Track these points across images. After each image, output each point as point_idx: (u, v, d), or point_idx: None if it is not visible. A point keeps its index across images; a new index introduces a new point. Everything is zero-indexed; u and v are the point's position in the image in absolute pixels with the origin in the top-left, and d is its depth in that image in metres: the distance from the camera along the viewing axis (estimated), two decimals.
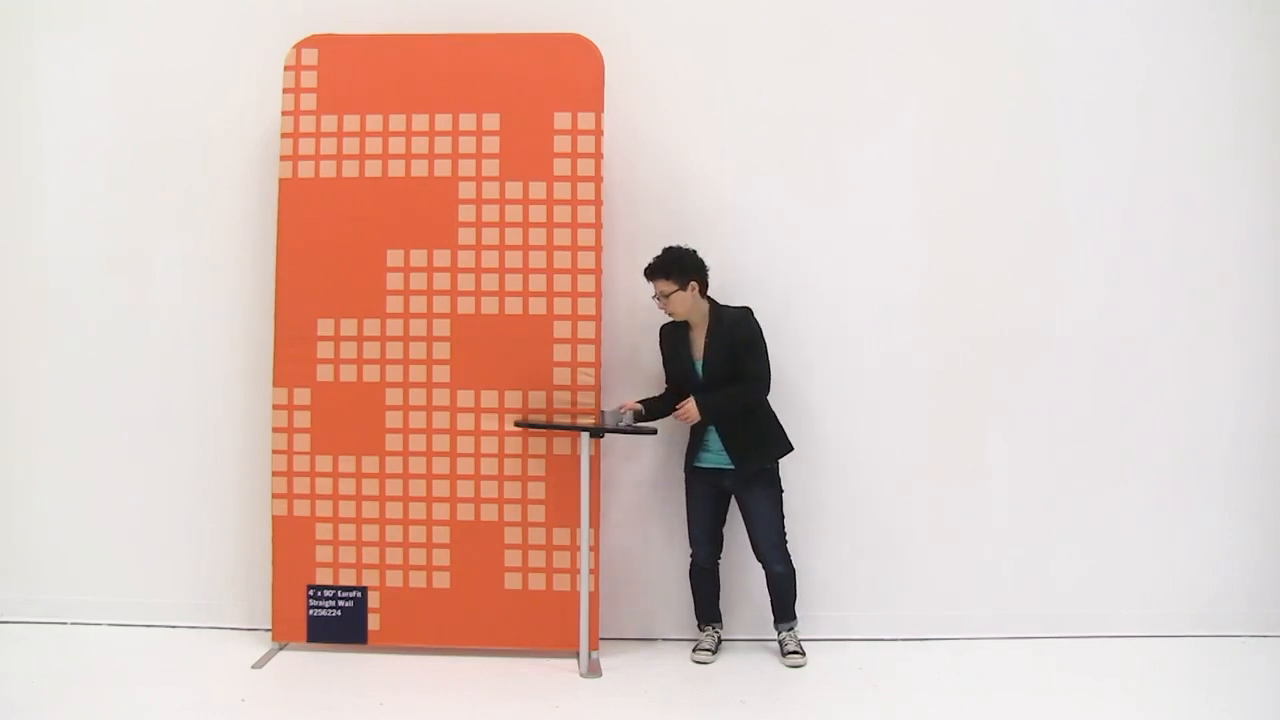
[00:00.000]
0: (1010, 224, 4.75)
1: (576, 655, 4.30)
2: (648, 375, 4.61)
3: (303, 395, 4.45)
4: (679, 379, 4.42)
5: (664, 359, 4.49)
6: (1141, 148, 4.76)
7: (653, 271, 4.29)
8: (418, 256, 4.47)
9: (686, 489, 4.49)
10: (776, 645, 4.46)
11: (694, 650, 4.44)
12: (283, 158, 4.49)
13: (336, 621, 4.42)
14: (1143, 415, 4.74)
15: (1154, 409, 4.75)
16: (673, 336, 4.43)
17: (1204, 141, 4.77)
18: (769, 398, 4.37)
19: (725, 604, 4.59)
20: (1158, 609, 4.70)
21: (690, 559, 4.50)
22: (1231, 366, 4.79)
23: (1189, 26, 4.78)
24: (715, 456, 4.37)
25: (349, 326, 4.46)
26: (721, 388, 4.30)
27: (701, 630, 4.51)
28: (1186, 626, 4.68)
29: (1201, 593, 4.73)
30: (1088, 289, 4.74)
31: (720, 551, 4.49)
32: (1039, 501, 4.73)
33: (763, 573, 4.43)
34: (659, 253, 4.29)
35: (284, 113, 4.50)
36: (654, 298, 4.33)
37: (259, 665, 4.29)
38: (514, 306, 4.45)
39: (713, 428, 4.35)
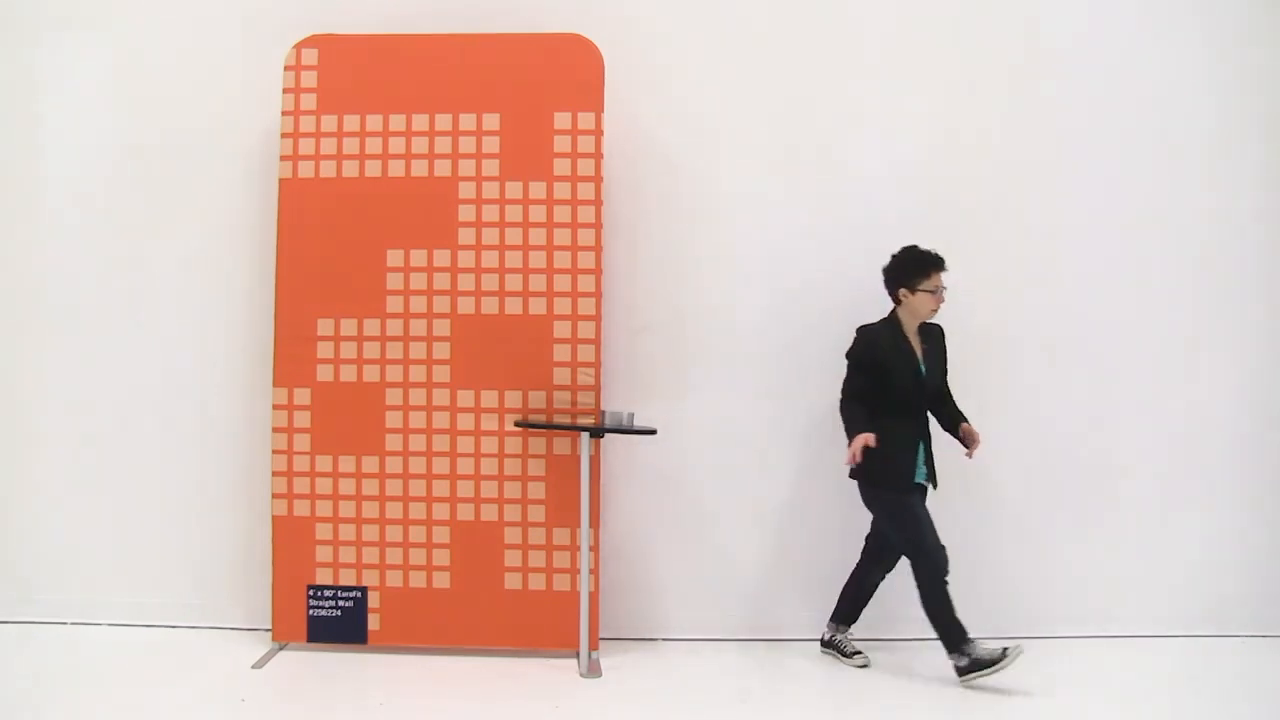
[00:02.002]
0: (1010, 224, 4.75)
1: (576, 655, 4.30)
2: (648, 375, 4.62)
3: (303, 395, 4.44)
4: (897, 383, 4.20)
5: (875, 362, 4.20)
6: (1143, 147, 4.77)
7: (944, 262, 4.20)
8: (418, 256, 4.47)
9: (908, 503, 4.20)
10: (839, 647, 4.44)
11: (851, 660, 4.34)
12: (283, 158, 4.49)
13: (336, 621, 4.42)
14: (1143, 415, 4.74)
15: (1155, 409, 4.75)
16: (890, 338, 4.24)
17: (1204, 142, 4.78)
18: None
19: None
20: (1158, 609, 4.70)
21: (942, 566, 4.13)
22: (1232, 366, 4.79)
23: (1189, 26, 4.79)
24: (922, 471, 4.25)
25: (349, 326, 4.46)
26: (947, 401, 4.33)
27: (968, 641, 4.14)
28: (1186, 626, 4.68)
29: (1201, 593, 4.73)
30: (1089, 289, 4.74)
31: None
32: (1039, 501, 4.73)
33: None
34: (921, 249, 4.22)
35: (284, 113, 4.50)
36: (936, 291, 4.19)
37: (259, 665, 4.29)
38: (514, 306, 4.45)
39: (921, 444, 4.23)
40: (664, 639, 4.63)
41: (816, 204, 4.73)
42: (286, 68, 4.50)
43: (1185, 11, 4.80)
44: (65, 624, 4.65)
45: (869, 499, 4.31)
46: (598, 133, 4.45)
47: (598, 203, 4.46)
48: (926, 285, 4.20)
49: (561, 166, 4.45)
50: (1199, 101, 4.78)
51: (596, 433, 4.30)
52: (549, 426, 4.38)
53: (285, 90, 4.50)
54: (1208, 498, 4.76)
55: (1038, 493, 4.73)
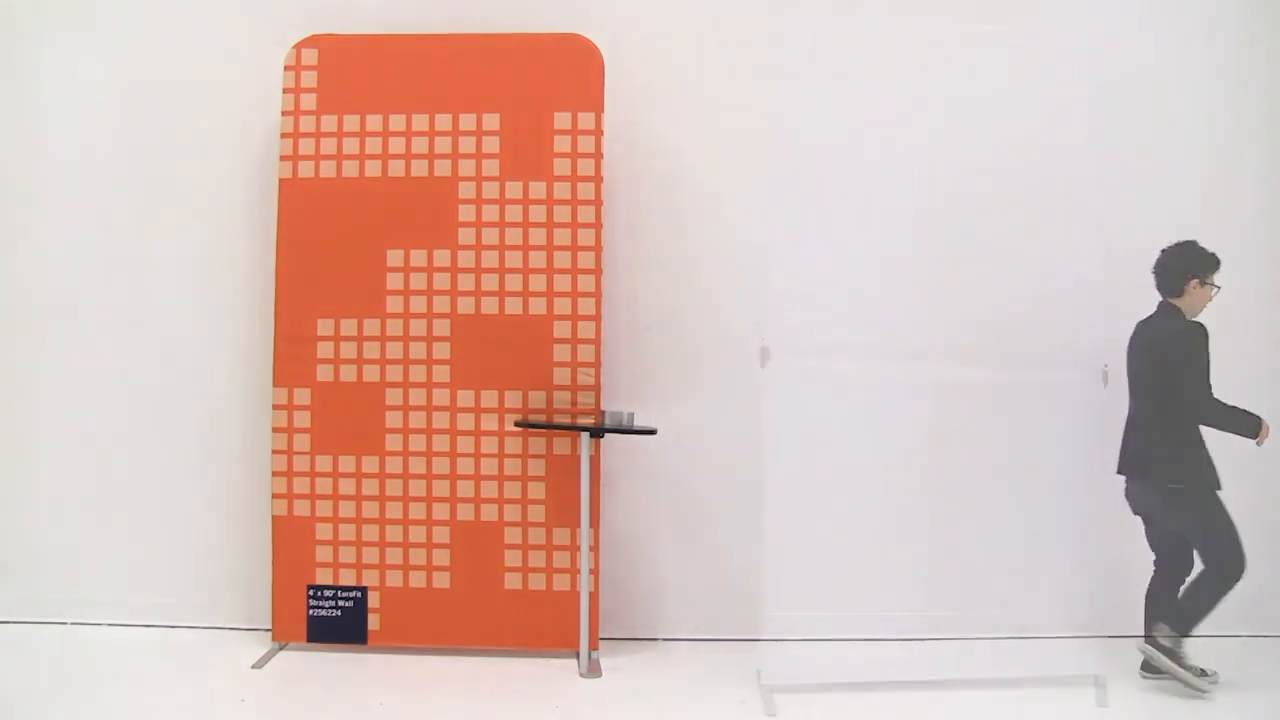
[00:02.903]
0: (1009, 223, 4.73)
1: (576, 655, 4.30)
2: (648, 375, 4.61)
3: (303, 395, 4.44)
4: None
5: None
6: (1143, 147, 4.76)
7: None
8: (418, 256, 4.47)
9: (1224, 508, 4.15)
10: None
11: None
12: (283, 158, 4.49)
13: (336, 621, 4.42)
14: None
15: None
16: None
17: (1205, 141, 4.78)
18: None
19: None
20: None
21: (1239, 576, 4.12)
22: (1232, 366, 4.77)
23: (1189, 25, 4.79)
24: None
25: (349, 326, 4.46)
26: None
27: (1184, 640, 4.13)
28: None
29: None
30: (1091, 290, 4.72)
31: None
32: (1039, 500, 4.72)
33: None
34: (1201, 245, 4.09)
35: (284, 113, 4.50)
36: (1215, 291, 4.11)
37: (259, 665, 4.29)
38: (514, 306, 4.45)
39: None
40: (664, 639, 4.64)
41: (817, 204, 4.71)
42: (286, 68, 4.50)
43: (1188, 9, 4.80)
44: (65, 624, 4.65)
45: (1187, 503, 4.12)
46: (598, 133, 4.45)
47: (598, 203, 4.46)
48: (1211, 280, 4.11)
49: (561, 166, 4.45)
50: (1202, 100, 4.78)
51: (596, 433, 4.30)
52: (549, 426, 4.38)
53: (285, 90, 4.50)
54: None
55: (1037, 492, 4.72)
